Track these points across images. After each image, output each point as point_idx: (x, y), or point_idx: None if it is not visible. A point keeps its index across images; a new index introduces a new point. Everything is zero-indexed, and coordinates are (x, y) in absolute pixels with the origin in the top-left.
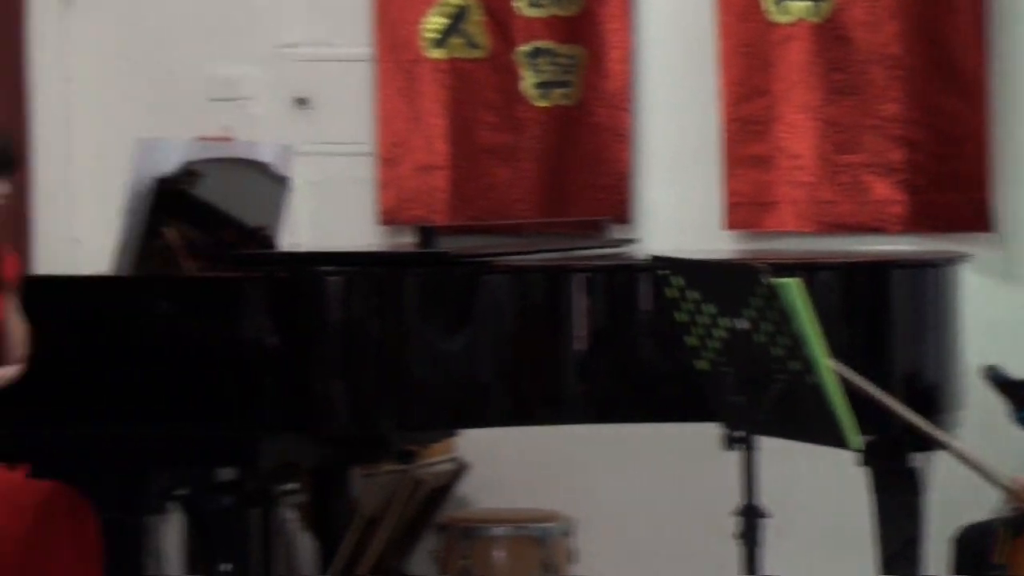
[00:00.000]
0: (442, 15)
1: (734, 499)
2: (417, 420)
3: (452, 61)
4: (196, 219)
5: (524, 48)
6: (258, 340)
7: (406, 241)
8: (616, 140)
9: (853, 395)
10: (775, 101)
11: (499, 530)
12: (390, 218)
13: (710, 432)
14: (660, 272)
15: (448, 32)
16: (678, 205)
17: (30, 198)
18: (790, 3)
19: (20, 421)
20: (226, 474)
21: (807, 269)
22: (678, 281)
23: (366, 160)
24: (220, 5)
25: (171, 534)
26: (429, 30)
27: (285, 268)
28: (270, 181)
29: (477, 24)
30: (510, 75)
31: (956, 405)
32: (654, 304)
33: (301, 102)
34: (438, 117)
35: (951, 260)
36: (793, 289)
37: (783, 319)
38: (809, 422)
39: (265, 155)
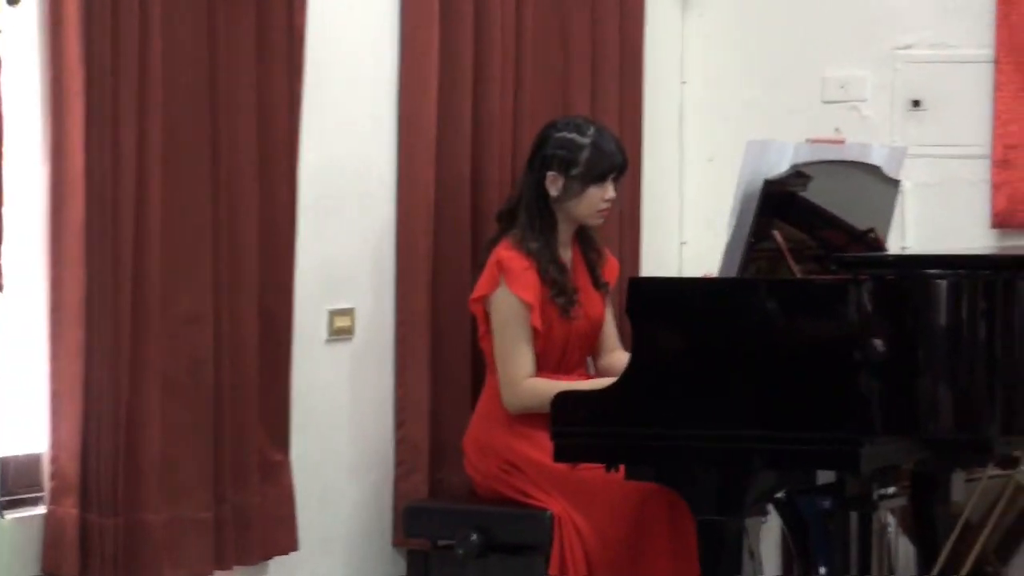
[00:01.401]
0: None
1: None
2: (1023, 426)
3: None
4: (804, 221)
5: None
6: (865, 343)
7: (1018, 244)
8: None
9: None
10: None
11: None
12: (1003, 221)
13: None
14: None
15: None
16: None
17: (640, 200)
18: None
19: (619, 423)
20: (824, 476)
21: None
22: None
23: (980, 163)
24: (838, 6)
25: (767, 536)
26: None
27: (893, 271)
28: (881, 184)
29: None
30: None
31: None
32: None
33: (915, 104)
34: None
35: None
36: None
37: None
38: None
39: (877, 157)
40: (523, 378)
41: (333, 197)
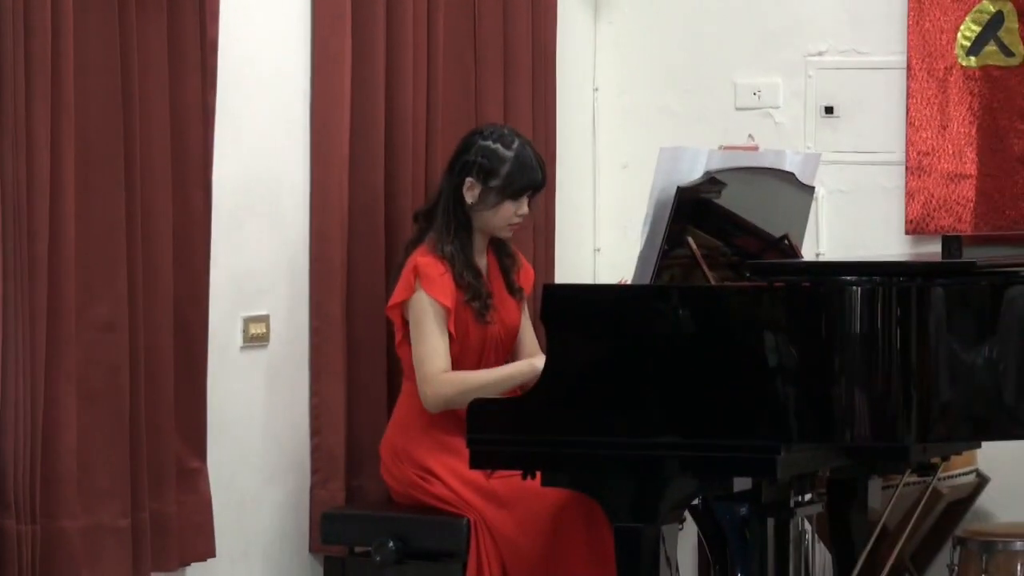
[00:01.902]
0: (976, 22)
1: None
2: (939, 433)
3: (985, 69)
4: (718, 228)
5: None
6: (780, 350)
7: (932, 251)
8: None
9: None
10: None
11: (1020, 544)
12: (917, 227)
13: None
14: None
15: (982, 39)
16: None
17: (554, 206)
18: None
19: (534, 430)
20: (741, 483)
21: None
22: None
23: (894, 169)
24: (750, 13)
25: (684, 543)
26: (963, 37)
27: (808, 278)
28: (795, 190)
29: (1012, 31)
30: None
31: None
32: None
33: (829, 111)
34: (968, 126)
35: None
36: None
37: None
38: None
39: (791, 164)
40: (439, 371)
41: (247, 205)
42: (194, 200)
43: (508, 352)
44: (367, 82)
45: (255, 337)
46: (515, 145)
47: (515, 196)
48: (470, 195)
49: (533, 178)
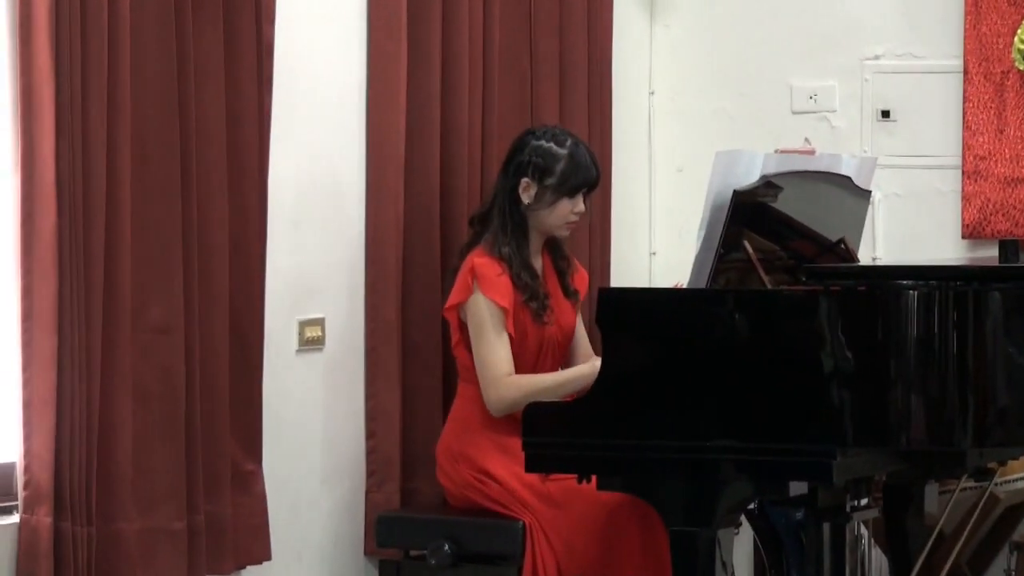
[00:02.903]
0: None
1: None
2: (996, 437)
3: None
4: (774, 232)
5: None
6: (836, 354)
7: (989, 255)
8: None
9: None
10: None
11: None
12: (973, 232)
13: None
14: None
15: None
16: None
17: (610, 210)
18: None
19: (590, 433)
20: (797, 487)
21: None
22: None
23: (950, 173)
24: (806, 17)
25: (739, 547)
26: (1020, 42)
27: (863, 281)
28: (851, 194)
29: None
30: None
31: None
32: None
33: (885, 115)
34: None
35: None
36: None
37: None
38: None
39: (847, 168)
40: (504, 375)
41: (303, 208)
42: (250, 203)
43: (564, 354)
44: (423, 86)
45: (310, 340)
46: (568, 143)
47: (571, 193)
48: (526, 195)
49: (588, 175)
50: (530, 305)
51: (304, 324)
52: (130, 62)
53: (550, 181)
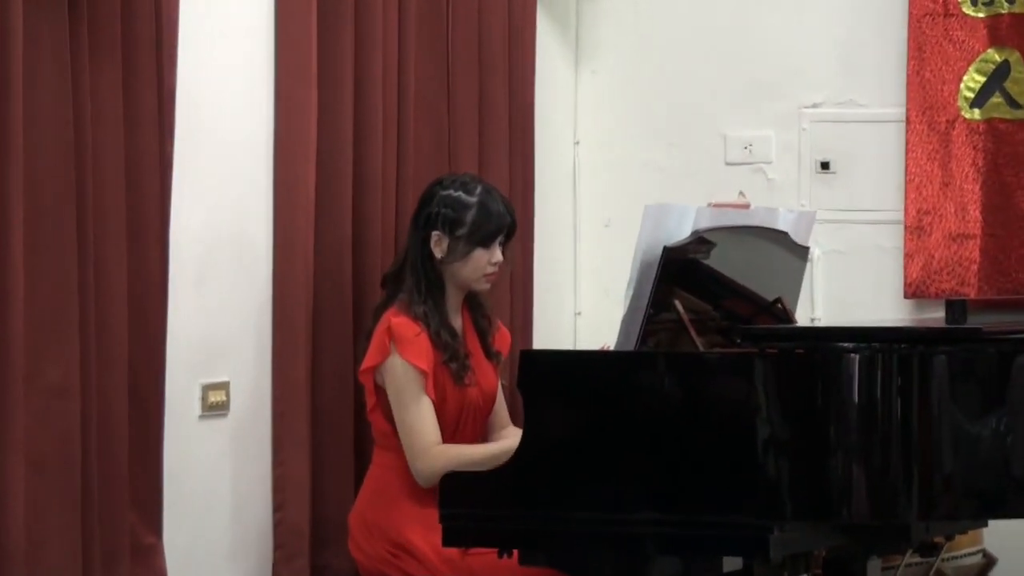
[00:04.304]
0: (981, 72)
1: None
2: (942, 509)
3: (990, 122)
4: (707, 291)
5: None
6: (772, 421)
7: (934, 316)
8: None
9: None
10: None
11: None
12: (917, 291)
13: None
14: None
15: (986, 91)
16: None
17: (532, 267)
18: None
19: (510, 505)
20: (732, 563)
21: None
22: None
23: (893, 228)
24: (741, 62)
25: None
26: (967, 88)
27: (801, 344)
28: (788, 251)
29: (1019, 81)
30: None
31: None
32: None
33: (824, 166)
34: (972, 182)
35: None
36: None
37: None
38: None
39: (784, 223)
40: (432, 445)
41: (207, 263)
42: (150, 258)
43: (486, 418)
44: (334, 134)
45: (214, 405)
46: (478, 191)
47: (485, 243)
48: (438, 249)
49: (501, 221)
50: (450, 366)
51: (208, 388)
52: (22, 110)
53: (461, 232)
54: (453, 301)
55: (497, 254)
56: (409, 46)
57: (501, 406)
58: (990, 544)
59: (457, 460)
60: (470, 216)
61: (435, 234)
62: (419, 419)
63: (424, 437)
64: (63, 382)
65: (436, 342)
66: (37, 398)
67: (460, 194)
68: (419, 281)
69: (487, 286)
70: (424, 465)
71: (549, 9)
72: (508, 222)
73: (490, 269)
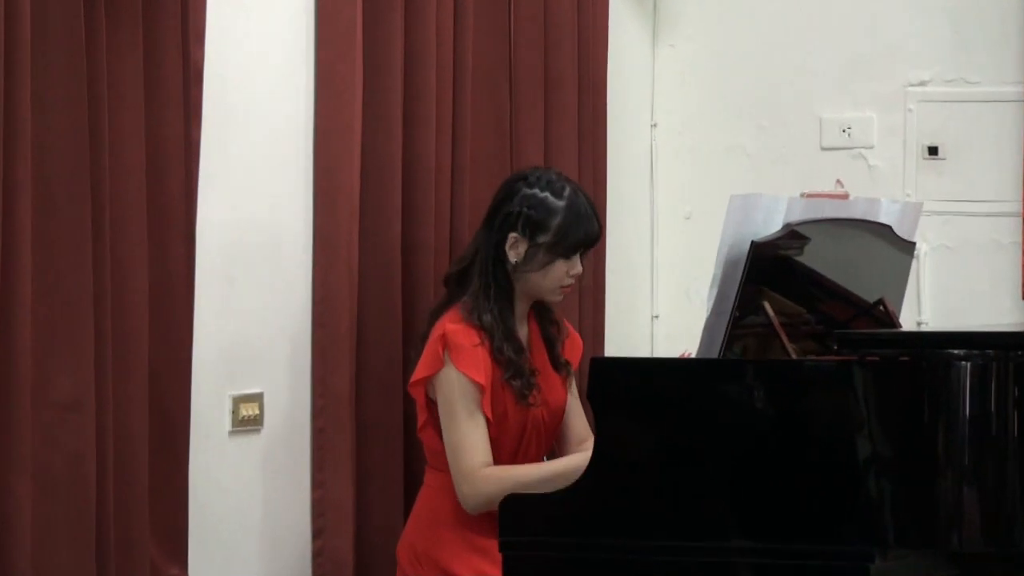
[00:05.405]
0: None
1: None
2: None
3: None
4: (800, 291)
5: None
6: (873, 437)
7: None
8: None
9: None
10: None
11: None
12: None
13: None
14: None
15: None
16: None
17: (604, 265)
18: None
19: (579, 532)
20: None
21: None
22: None
23: (1010, 221)
24: (839, 37)
25: None
26: None
27: (906, 351)
28: (891, 246)
29: None
30: None
31: None
32: None
33: (932, 151)
34: None
35: None
36: None
37: None
38: None
39: (886, 215)
40: (480, 467)
41: (238, 261)
42: (174, 254)
43: (553, 436)
44: (381, 115)
45: (246, 420)
46: (567, 193)
47: (568, 254)
48: (514, 253)
49: (589, 231)
50: (512, 384)
51: (239, 400)
52: (30, 87)
53: (544, 239)
54: (520, 310)
55: (578, 266)
56: (466, 18)
57: (578, 417)
58: None
59: (509, 483)
60: (555, 222)
61: (512, 236)
62: (468, 437)
63: (471, 458)
64: (75, 394)
65: (498, 357)
66: (46, 412)
67: (547, 195)
68: (487, 286)
69: (560, 298)
70: (470, 489)
71: None
72: (595, 232)
73: (568, 281)
